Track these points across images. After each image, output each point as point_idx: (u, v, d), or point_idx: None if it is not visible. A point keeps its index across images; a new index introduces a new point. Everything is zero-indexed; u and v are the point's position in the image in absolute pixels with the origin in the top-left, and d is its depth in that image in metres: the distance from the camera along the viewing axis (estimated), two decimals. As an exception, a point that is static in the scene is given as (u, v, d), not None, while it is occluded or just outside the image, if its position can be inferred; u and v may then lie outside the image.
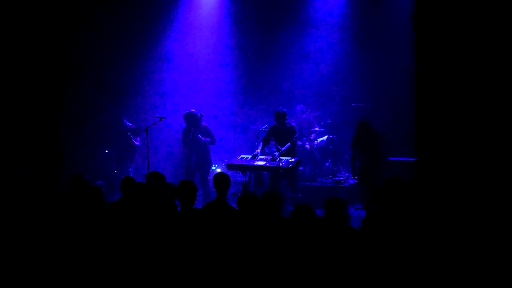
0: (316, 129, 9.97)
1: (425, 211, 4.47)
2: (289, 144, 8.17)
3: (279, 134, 8.28)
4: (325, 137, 10.07)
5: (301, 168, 9.18)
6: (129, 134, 8.85)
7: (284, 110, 8.39)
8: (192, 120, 8.58)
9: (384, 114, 9.60)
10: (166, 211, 4.68)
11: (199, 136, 8.61)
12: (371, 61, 10.20)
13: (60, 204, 4.93)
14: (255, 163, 7.85)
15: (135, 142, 9.23)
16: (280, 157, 7.75)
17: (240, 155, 8.31)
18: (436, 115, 5.41)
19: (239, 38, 10.48)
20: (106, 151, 9.61)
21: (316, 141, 9.91)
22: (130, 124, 9.48)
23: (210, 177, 8.03)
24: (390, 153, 8.37)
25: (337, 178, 9.26)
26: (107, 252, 4.38)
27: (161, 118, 8.14)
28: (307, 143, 9.84)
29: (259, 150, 8.14)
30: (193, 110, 8.67)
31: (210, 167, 8.95)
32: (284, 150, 8.03)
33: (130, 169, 9.35)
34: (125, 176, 5.69)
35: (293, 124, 8.48)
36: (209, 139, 8.70)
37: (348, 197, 8.60)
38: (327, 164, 9.97)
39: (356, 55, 10.25)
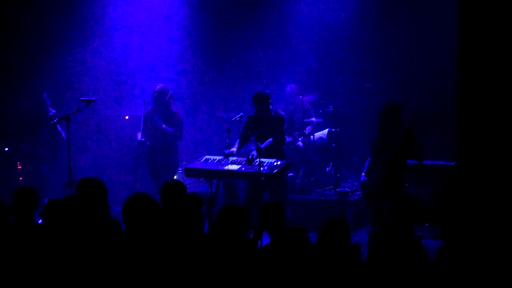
0: (313, 119, 9.82)
1: (465, 227, 4.53)
2: (270, 139, 7.82)
3: (262, 127, 7.89)
4: (325, 131, 9.97)
5: (290, 174, 8.97)
6: (54, 121, 8.45)
7: (266, 91, 8.05)
8: (154, 99, 8.43)
9: (412, 101, 9.28)
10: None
11: (159, 121, 8.35)
12: (400, 23, 9.90)
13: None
14: (226, 168, 7.53)
15: (63, 133, 8.78)
16: (261, 159, 7.41)
17: (205, 156, 7.94)
18: (486, 106, 5.41)
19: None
20: (6, 149, 9.19)
21: (312, 137, 9.81)
22: (53, 112, 9.03)
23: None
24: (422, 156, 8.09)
25: (341, 189, 9.02)
26: None
27: (88, 101, 7.69)
28: (299, 139, 9.71)
29: (234, 149, 7.86)
30: (159, 86, 8.48)
31: (174, 173, 8.62)
32: (264, 147, 7.68)
33: (44, 167, 8.97)
34: (20, 187, 5.39)
35: (282, 113, 8.12)
36: (172, 130, 8.40)
37: (358, 216, 8.45)
38: (327, 169, 9.85)
39: (376, 12, 10.00)
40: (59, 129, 8.86)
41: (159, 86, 8.51)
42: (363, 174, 7.62)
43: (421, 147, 7.47)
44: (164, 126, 8.39)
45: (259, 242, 5.33)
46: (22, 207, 5.15)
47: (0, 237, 4.77)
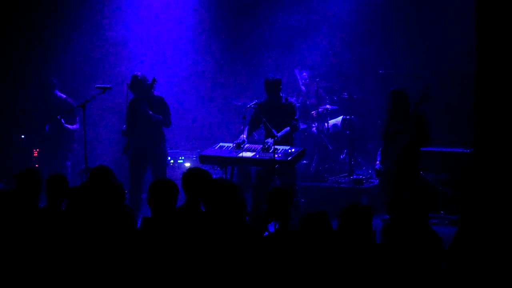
0: (327, 106, 9.84)
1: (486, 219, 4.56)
2: (287, 129, 7.86)
3: (273, 113, 7.87)
4: (339, 118, 10.01)
5: (305, 162, 9.10)
6: (58, 117, 8.51)
7: (278, 77, 8.02)
8: (137, 87, 7.95)
9: (427, 87, 9.43)
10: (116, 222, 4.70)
11: (147, 109, 7.93)
12: (416, 8, 9.82)
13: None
14: (240, 155, 7.55)
15: (70, 126, 8.85)
16: (275, 146, 7.43)
17: (219, 143, 7.96)
18: (504, 92, 5.42)
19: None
20: (23, 136, 9.30)
21: (326, 124, 9.86)
22: (64, 97, 8.98)
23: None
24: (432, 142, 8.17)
25: (356, 177, 9.09)
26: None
27: (104, 88, 7.69)
28: (313, 126, 9.78)
29: (244, 136, 7.85)
30: (139, 73, 8.05)
31: (166, 160, 8.33)
32: (281, 137, 7.67)
33: (67, 163, 8.96)
34: (53, 174, 5.46)
35: (292, 100, 8.15)
36: (161, 117, 8.03)
37: (372, 203, 8.30)
38: (342, 156, 9.90)
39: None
40: (64, 124, 8.86)
41: (139, 73, 8.09)
42: (377, 162, 7.65)
43: (429, 133, 7.22)
44: (151, 113, 7.99)
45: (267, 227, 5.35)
46: (52, 193, 5.24)
47: (31, 222, 4.90)
